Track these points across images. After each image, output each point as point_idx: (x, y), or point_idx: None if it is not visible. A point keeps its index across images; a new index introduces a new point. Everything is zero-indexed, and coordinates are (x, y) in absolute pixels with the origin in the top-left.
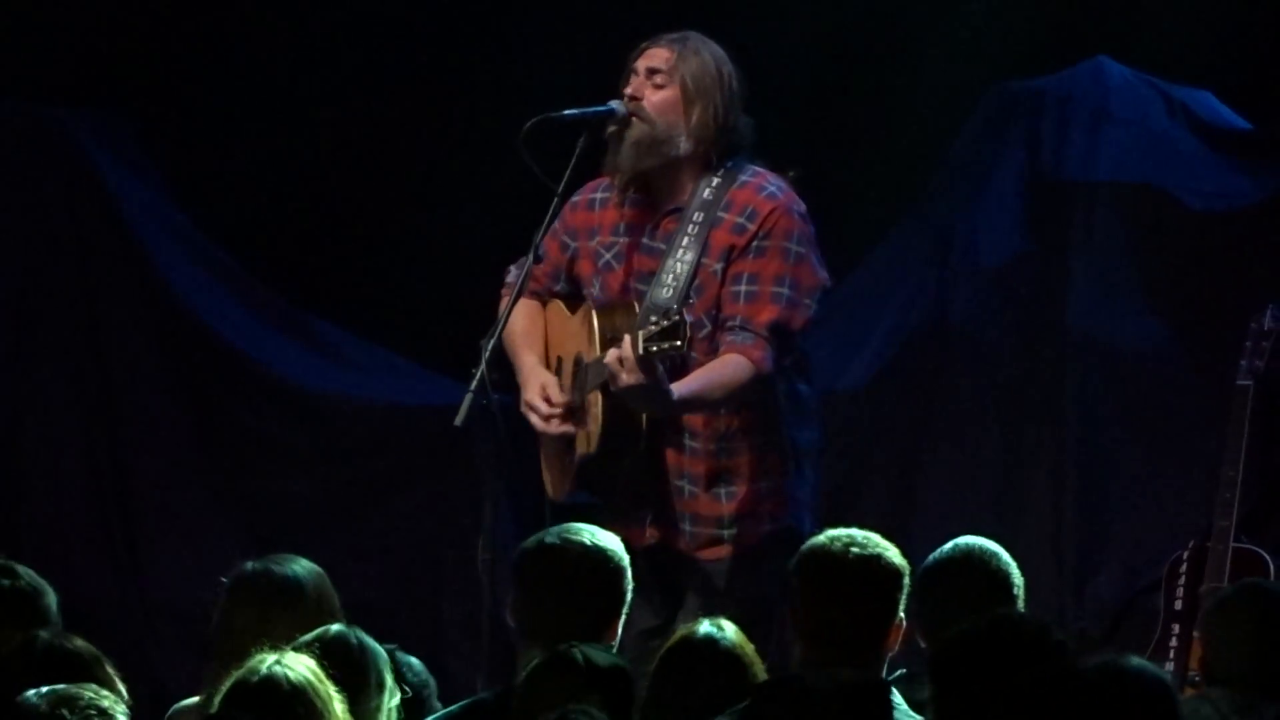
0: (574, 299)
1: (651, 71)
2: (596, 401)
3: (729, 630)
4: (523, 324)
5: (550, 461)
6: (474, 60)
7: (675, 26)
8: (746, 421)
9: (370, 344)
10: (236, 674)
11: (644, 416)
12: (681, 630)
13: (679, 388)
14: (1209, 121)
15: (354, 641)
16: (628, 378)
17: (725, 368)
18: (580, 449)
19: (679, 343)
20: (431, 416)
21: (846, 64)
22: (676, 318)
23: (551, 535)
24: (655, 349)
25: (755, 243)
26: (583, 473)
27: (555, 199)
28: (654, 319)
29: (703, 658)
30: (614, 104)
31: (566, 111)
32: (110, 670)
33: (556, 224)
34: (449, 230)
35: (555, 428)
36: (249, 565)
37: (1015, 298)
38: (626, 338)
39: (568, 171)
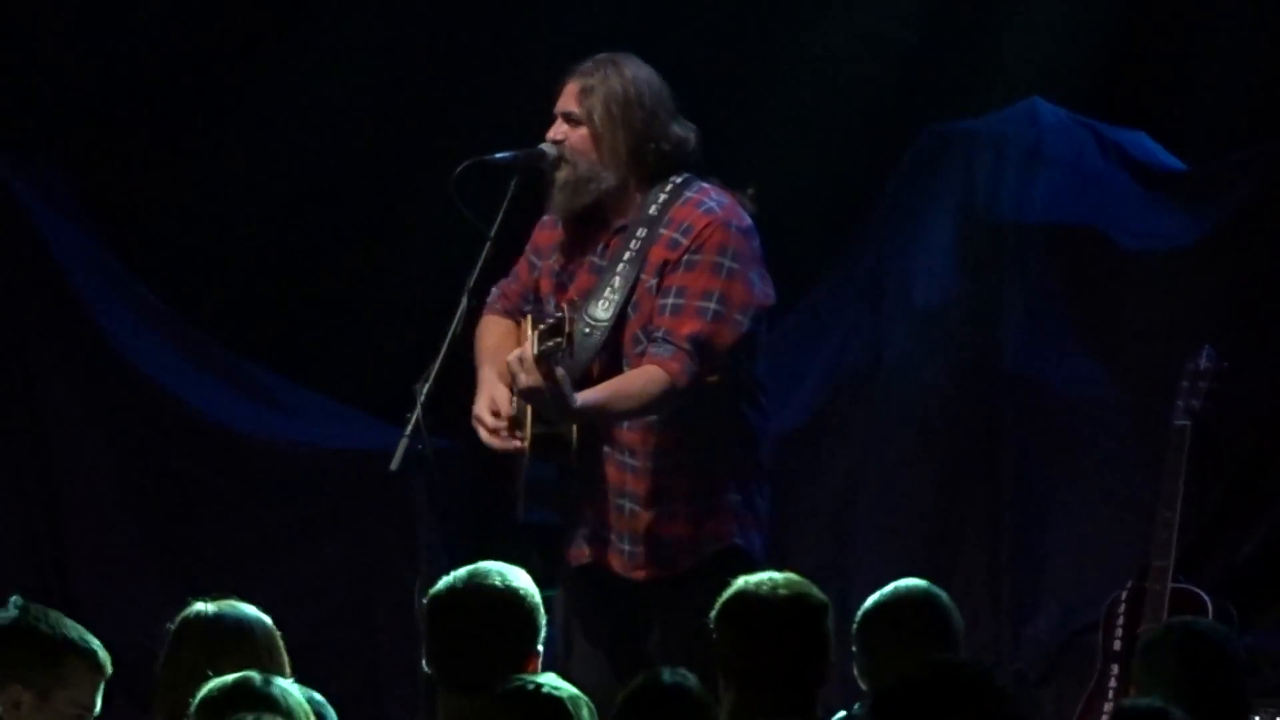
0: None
1: (565, 114)
2: (527, 412)
3: (691, 678)
4: (492, 340)
5: (513, 479)
6: (409, 105)
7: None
8: (685, 439)
9: (302, 387)
10: None
11: (573, 428)
12: (642, 677)
13: (584, 395)
14: (1143, 162)
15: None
16: (525, 379)
17: (637, 378)
18: (524, 462)
19: (560, 339)
20: (364, 459)
21: (780, 103)
22: (560, 315)
23: (460, 579)
24: (542, 347)
25: (686, 256)
26: (534, 489)
27: (488, 242)
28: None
29: (672, 707)
30: (544, 145)
31: (498, 154)
32: None
33: (528, 244)
34: (381, 273)
35: (498, 441)
36: (196, 608)
37: (950, 339)
38: (527, 342)
39: (500, 214)
